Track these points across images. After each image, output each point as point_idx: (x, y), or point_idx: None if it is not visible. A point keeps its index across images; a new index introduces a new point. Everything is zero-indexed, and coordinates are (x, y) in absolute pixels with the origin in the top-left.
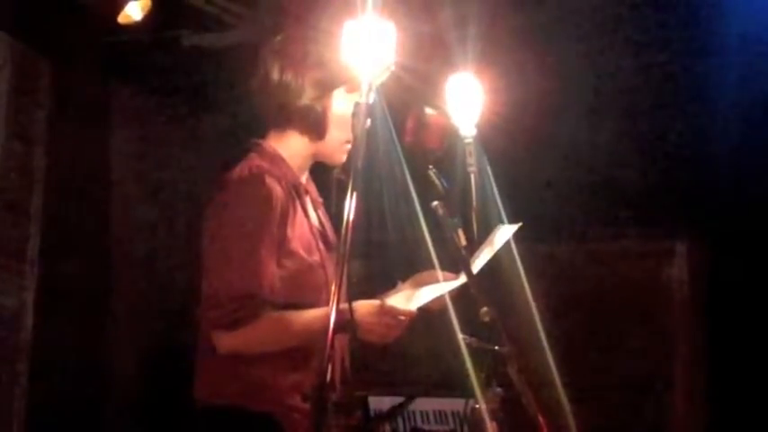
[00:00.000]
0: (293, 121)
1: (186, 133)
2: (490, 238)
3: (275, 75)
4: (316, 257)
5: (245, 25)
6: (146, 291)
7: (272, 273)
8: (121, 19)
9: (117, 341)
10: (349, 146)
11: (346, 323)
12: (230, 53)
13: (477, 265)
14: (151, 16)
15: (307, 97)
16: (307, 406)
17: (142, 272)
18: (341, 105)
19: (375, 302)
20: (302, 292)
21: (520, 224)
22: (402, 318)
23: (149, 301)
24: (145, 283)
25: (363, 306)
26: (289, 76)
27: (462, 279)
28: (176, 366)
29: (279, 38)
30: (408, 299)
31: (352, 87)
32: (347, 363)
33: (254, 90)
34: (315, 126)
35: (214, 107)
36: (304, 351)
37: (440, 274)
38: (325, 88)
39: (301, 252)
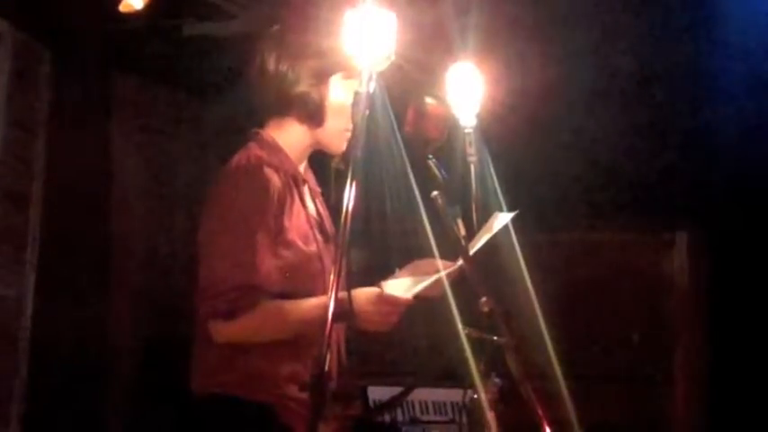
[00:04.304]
0: (291, 109)
1: (187, 122)
2: (488, 224)
3: (271, 65)
4: (312, 248)
5: (247, 14)
6: (145, 280)
7: (269, 262)
8: (122, 8)
9: (116, 330)
10: (349, 134)
11: (344, 312)
12: (232, 42)
13: (474, 248)
14: (152, 5)
15: (303, 85)
16: (303, 396)
17: (142, 261)
18: (338, 92)
19: (373, 290)
20: (298, 282)
21: (517, 211)
22: (399, 306)
23: (148, 291)
24: (144, 272)
25: (361, 294)
26: (285, 66)
27: (459, 262)
28: (175, 356)
29: (275, 27)
30: (405, 286)
31: (349, 74)
32: (343, 352)
33: (252, 80)
34: (313, 113)
35: (215, 97)
36: (301, 340)
37: (438, 262)
38: (322, 76)
39: (298, 242)
